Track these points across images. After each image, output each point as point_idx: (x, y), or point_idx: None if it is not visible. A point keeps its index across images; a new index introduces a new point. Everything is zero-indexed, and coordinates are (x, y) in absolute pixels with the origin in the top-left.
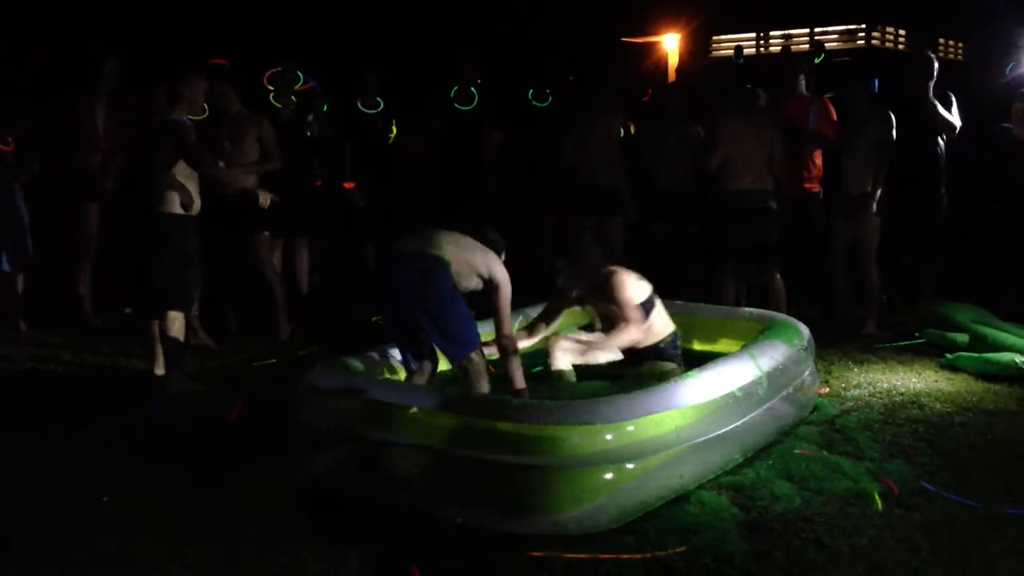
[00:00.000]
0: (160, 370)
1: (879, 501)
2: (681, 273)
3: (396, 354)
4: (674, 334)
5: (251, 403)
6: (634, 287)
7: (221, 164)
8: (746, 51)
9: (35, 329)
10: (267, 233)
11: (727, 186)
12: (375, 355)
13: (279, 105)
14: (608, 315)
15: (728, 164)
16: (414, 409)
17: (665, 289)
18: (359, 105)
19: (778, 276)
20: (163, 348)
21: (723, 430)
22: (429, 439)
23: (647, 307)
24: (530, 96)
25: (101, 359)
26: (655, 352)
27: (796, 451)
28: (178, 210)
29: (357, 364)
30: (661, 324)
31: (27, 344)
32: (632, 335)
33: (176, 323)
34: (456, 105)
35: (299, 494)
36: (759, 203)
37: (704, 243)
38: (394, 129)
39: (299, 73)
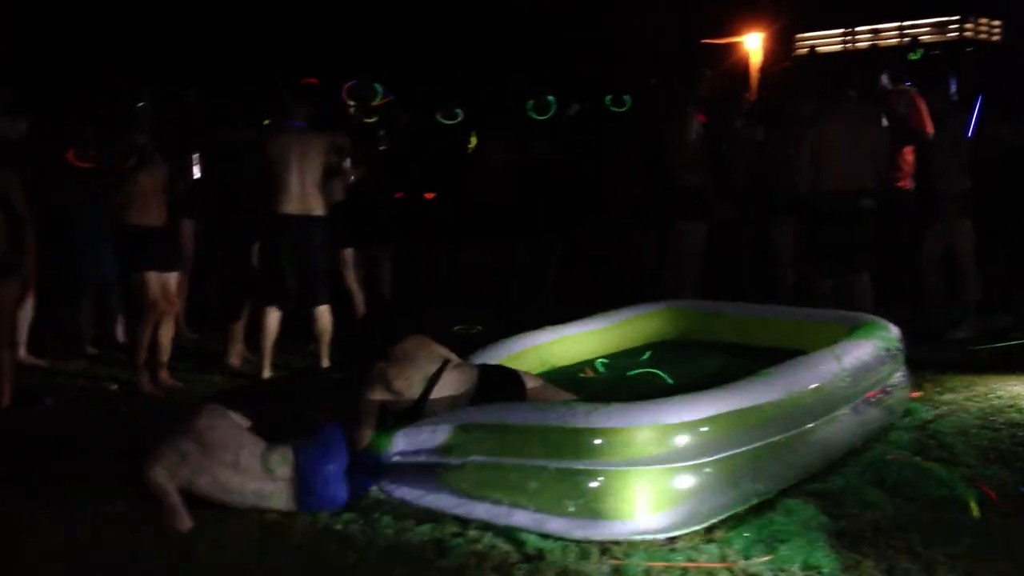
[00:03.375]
0: (268, 372)
1: (976, 508)
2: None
3: None
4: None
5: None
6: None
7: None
8: (832, 48)
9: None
10: (351, 248)
11: (820, 187)
12: None
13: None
14: None
15: (820, 165)
16: (488, 421)
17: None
18: (439, 117)
19: (866, 276)
20: (321, 339)
21: (802, 430)
22: (504, 451)
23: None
24: (607, 101)
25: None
26: None
27: (888, 457)
28: (323, 212)
29: None
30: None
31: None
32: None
33: (327, 315)
34: (532, 114)
35: (379, 504)
36: (854, 204)
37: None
38: (472, 140)
39: (377, 87)
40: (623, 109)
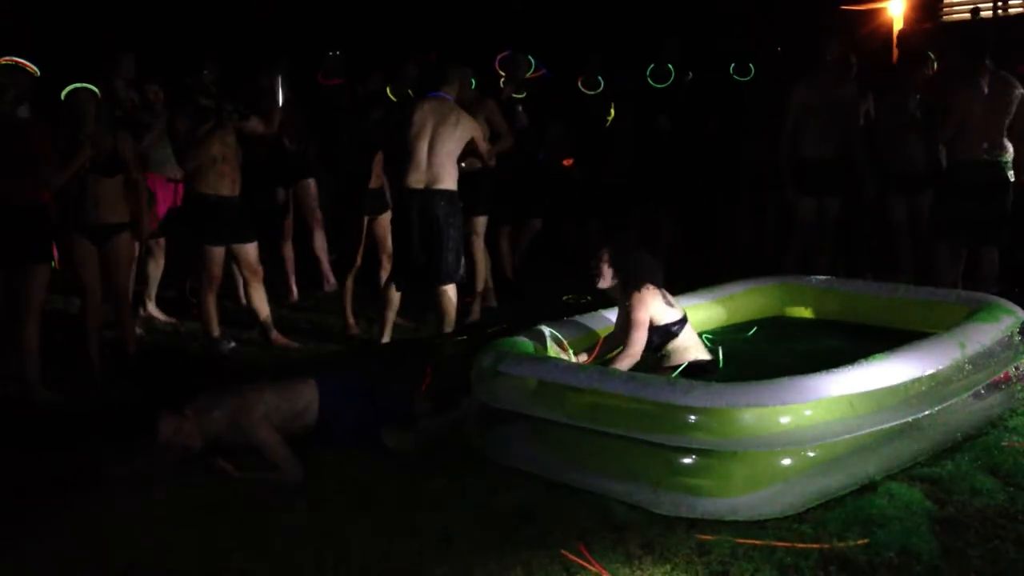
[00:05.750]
0: (387, 337)
1: None
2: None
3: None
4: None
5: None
6: (655, 309)
7: None
8: (983, 13)
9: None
10: (484, 216)
11: (957, 157)
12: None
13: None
14: (621, 327)
15: (958, 134)
16: (585, 389)
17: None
18: (580, 85)
19: (995, 252)
20: (443, 318)
21: (915, 418)
22: (598, 419)
23: (665, 333)
24: (731, 71)
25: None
26: None
27: (1004, 443)
28: (450, 186)
29: (527, 344)
30: (681, 354)
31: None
32: (626, 362)
33: (450, 295)
34: (651, 82)
35: (474, 467)
36: (991, 175)
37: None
38: (612, 111)
39: (530, 59)
40: (748, 78)
